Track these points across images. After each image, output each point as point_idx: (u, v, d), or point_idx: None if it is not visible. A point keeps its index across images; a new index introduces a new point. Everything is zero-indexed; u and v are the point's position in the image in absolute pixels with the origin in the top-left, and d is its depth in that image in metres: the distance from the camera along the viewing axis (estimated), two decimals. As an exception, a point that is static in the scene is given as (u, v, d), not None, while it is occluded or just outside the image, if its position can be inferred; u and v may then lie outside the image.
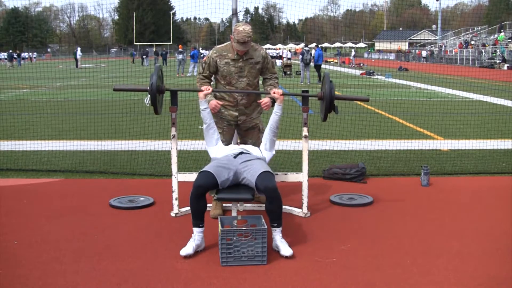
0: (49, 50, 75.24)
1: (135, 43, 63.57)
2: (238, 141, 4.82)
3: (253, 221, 3.72)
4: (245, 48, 4.33)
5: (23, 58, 48.15)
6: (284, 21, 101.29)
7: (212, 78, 4.61)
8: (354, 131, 8.49)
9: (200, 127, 8.33)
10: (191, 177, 4.32)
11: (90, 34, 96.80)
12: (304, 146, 4.53)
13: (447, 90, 18.05)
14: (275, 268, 3.45)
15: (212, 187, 3.79)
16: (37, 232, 4.12)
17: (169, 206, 4.61)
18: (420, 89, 18.44)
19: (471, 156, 7.01)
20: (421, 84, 20.57)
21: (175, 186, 4.50)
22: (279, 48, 44.90)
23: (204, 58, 4.64)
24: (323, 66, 25.09)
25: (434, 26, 72.12)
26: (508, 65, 33.85)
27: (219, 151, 4.17)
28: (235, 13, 6.30)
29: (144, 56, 42.31)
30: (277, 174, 4.51)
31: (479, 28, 48.27)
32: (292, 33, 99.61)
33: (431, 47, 55.01)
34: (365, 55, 66.01)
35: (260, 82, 4.61)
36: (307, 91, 4.53)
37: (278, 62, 30.76)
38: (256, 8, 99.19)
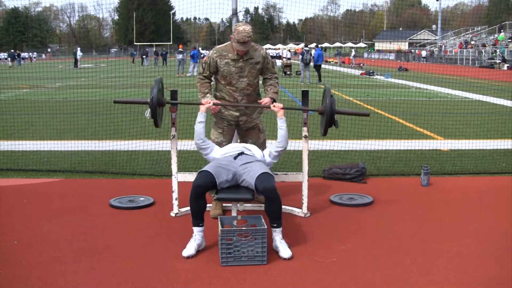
0: (49, 50, 75.23)
1: (135, 43, 63.57)
2: (238, 141, 4.82)
3: (253, 221, 3.73)
4: (245, 48, 4.33)
5: (23, 58, 48.17)
6: (284, 21, 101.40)
7: (212, 78, 4.61)
8: (354, 131, 8.48)
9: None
10: (191, 177, 4.32)
11: (90, 34, 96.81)
12: (304, 146, 4.53)
13: (447, 90, 18.05)
14: (275, 268, 3.45)
15: (211, 187, 3.79)
16: (37, 232, 4.12)
17: (169, 206, 4.61)
18: (420, 89, 18.44)
19: (471, 156, 7.01)
20: (421, 84, 20.57)
21: (175, 186, 4.51)
22: (279, 48, 44.85)
23: (204, 58, 4.64)
24: (323, 66, 25.10)
25: (434, 26, 72.12)
26: (508, 65, 33.85)
27: (218, 152, 4.17)
28: (235, 13, 6.29)
29: (144, 56, 42.33)
30: (277, 174, 4.52)
31: (479, 28, 48.27)
32: (292, 33, 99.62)
33: (431, 47, 55.01)
34: (365, 55, 66.03)
35: (260, 82, 4.61)
36: (307, 91, 4.53)
37: (278, 62, 30.76)
38: (256, 8, 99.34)
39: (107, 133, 8.42)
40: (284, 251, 3.62)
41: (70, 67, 34.64)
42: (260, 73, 4.58)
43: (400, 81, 22.41)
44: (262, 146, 4.61)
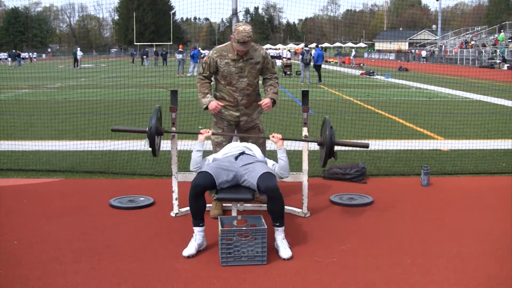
0: (49, 50, 75.27)
1: (135, 43, 63.61)
2: (238, 140, 4.82)
3: (253, 221, 3.73)
4: (245, 48, 4.33)
5: (23, 58, 48.19)
6: (284, 21, 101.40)
7: (212, 78, 4.61)
8: (354, 131, 8.48)
9: (200, 127, 8.34)
10: (191, 177, 4.31)
11: (90, 34, 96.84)
12: (304, 146, 4.53)
13: (447, 90, 18.05)
14: (275, 268, 3.45)
15: (210, 187, 3.79)
16: (37, 232, 4.12)
17: (169, 206, 4.61)
18: (420, 89, 18.45)
19: (471, 156, 7.01)
20: (421, 84, 20.58)
21: (175, 186, 4.51)
22: (279, 48, 44.88)
23: (204, 59, 4.64)
24: (323, 66, 25.10)
25: (434, 26, 72.12)
26: (508, 65, 33.86)
27: (217, 153, 4.16)
28: (235, 13, 6.30)
29: (144, 56, 42.38)
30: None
31: (479, 28, 48.27)
32: (292, 33, 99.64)
33: (431, 47, 55.02)
34: (365, 55, 66.04)
35: (260, 82, 4.61)
36: (307, 91, 4.52)
37: (278, 62, 30.77)
38: (256, 8, 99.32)
39: (107, 133, 8.41)
40: (284, 251, 3.62)
41: (71, 67, 34.65)
42: (260, 73, 4.58)
43: (400, 81, 22.41)
44: (261, 146, 4.61)
